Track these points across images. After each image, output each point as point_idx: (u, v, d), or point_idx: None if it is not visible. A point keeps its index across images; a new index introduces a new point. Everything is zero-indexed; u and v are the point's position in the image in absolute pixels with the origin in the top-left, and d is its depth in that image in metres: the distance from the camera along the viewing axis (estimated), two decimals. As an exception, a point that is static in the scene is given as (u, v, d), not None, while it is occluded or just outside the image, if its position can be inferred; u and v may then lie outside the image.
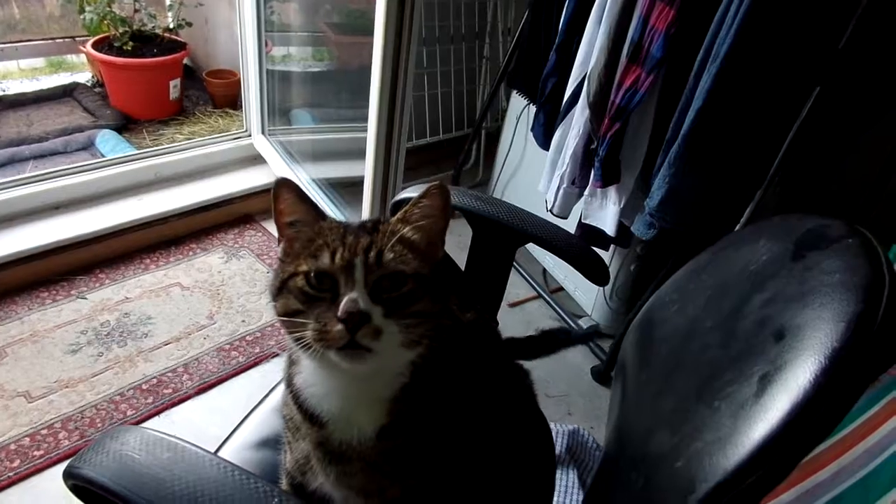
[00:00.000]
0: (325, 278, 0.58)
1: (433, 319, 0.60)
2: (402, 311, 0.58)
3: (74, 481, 0.57)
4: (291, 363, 0.69)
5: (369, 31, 1.59)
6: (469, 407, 0.70)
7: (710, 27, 1.36)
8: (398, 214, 0.63)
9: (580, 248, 0.94)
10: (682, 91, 1.45)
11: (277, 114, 2.47)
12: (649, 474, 0.49)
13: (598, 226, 1.71)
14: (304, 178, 2.22)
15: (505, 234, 0.93)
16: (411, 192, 1.00)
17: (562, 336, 1.02)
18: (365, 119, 1.78)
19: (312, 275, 0.59)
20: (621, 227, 1.69)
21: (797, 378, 0.41)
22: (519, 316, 2.10)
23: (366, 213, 1.75)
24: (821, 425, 0.39)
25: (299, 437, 0.70)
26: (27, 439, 1.47)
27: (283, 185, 0.63)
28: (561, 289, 2.17)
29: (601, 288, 1.97)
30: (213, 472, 0.56)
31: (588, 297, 2.04)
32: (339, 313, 0.55)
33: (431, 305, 0.60)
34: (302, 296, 0.59)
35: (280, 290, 0.62)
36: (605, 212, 1.70)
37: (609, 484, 0.58)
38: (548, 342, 1.01)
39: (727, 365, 0.49)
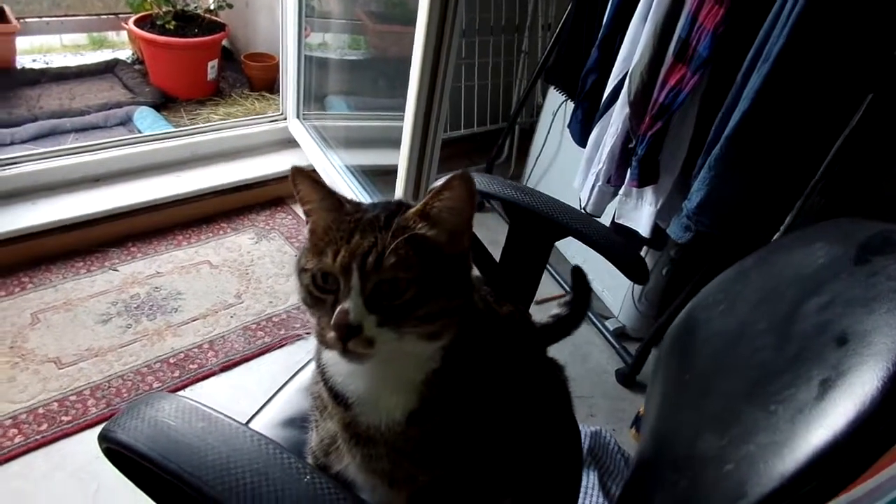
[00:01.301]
0: (329, 278, 0.58)
1: (451, 316, 0.58)
2: (402, 319, 0.56)
3: (108, 444, 0.58)
4: None
5: (407, 21, 1.59)
6: (501, 397, 0.68)
7: (760, 27, 1.33)
8: (417, 206, 0.59)
9: (620, 244, 0.92)
10: (727, 92, 1.42)
11: (313, 99, 2.48)
12: (694, 476, 0.47)
13: (632, 226, 1.68)
14: (338, 163, 2.22)
15: (543, 226, 0.91)
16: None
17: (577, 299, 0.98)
18: (399, 108, 1.78)
19: (318, 275, 0.58)
20: (655, 229, 1.66)
21: (863, 384, 0.39)
22: (544, 314, 2.08)
23: (397, 201, 1.74)
24: (888, 433, 0.37)
25: (326, 416, 0.69)
26: (55, 404, 1.50)
27: (297, 172, 0.61)
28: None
29: (629, 290, 1.95)
30: (246, 445, 0.55)
31: (616, 299, 2.01)
32: (331, 322, 0.55)
33: (446, 303, 0.57)
34: (308, 294, 0.59)
35: (300, 274, 0.62)
36: (639, 212, 1.67)
37: (646, 484, 0.56)
38: (567, 321, 0.99)
39: (783, 368, 0.47)
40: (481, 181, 0.94)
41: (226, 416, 0.58)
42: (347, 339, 0.54)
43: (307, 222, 0.64)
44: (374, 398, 0.62)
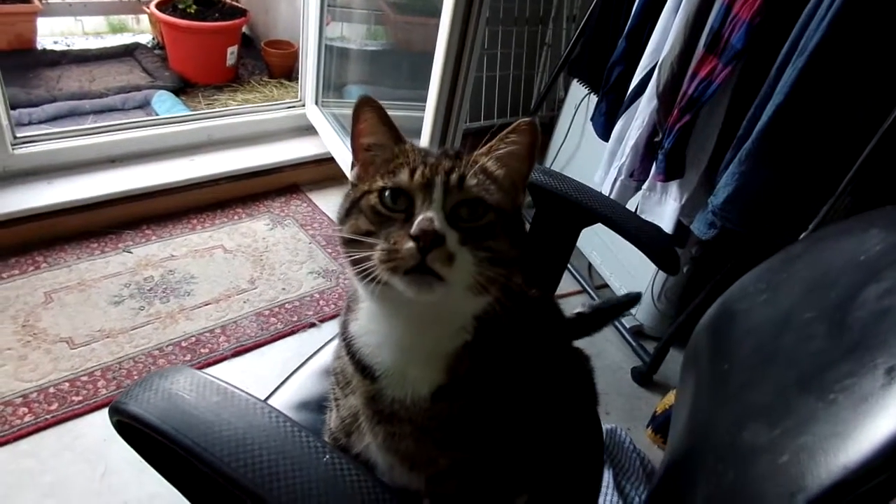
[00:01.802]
0: (401, 197, 0.54)
1: (508, 265, 0.55)
2: (479, 243, 0.53)
3: (120, 417, 0.55)
4: (348, 310, 0.65)
5: (429, 12, 1.56)
6: (529, 381, 0.65)
7: (798, 19, 1.29)
8: (482, 148, 0.58)
9: (652, 233, 0.89)
10: (759, 85, 1.38)
11: (332, 87, 2.46)
12: (742, 468, 0.44)
13: (655, 222, 1.65)
14: (355, 152, 2.20)
15: (572, 212, 0.88)
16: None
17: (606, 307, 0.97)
18: (418, 99, 1.75)
19: (388, 193, 0.55)
20: (678, 226, 1.63)
21: (936, 371, 0.36)
22: (567, 310, 2.05)
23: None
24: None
25: (349, 391, 0.67)
26: (66, 384, 1.49)
27: (366, 103, 0.59)
28: (606, 286, 2.11)
29: (649, 288, 1.91)
30: (263, 421, 0.53)
31: (634, 297, 1.97)
32: (412, 230, 0.51)
33: (509, 248, 0.55)
34: (373, 215, 0.55)
35: (350, 210, 0.57)
36: (663, 207, 1.64)
37: (687, 475, 0.53)
38: (598, 317, 0.97)
39: (840, 357, 0.44)
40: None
41: (242, 390, 0.56)
42: (429, 249, 0.50)
43: (358, 159, 0.62)
44: (401, 370, 0.60)
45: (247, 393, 0.56)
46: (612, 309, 0.98)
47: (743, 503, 0.41)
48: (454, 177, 0.54)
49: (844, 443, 0.37)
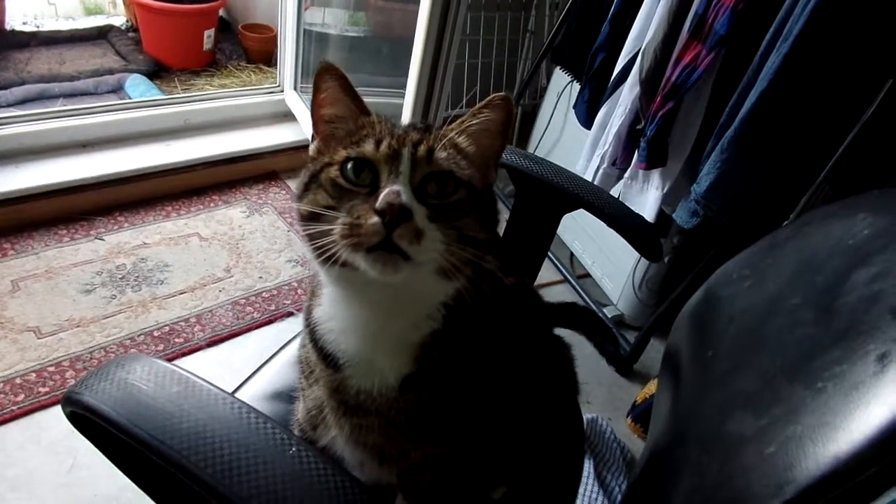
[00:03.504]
0: (366, 169, 0.51)
1: (480, 247, 0.51)
2: (449, 222, 0.49)
3: (73, 408, 0.52)
4: (312, 294, 0.61)
5: (409, -1, 1.52)
6: (502, 370, 0.62)
7: (781, 5, 1.27)
8: (453, 124, 0.55)
9: (633, 218, 0.87)
10: (742, 72, 1.36)
11: (311, 73, 2.41)
12: (727, 459, 0.43)
13: (637, 210, 1.63)
14: (334, 138, 2.16)
15: (553, 197, 0.86)
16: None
17: (589, 319, 0.96)
18: (399, 87, 1.71)
19: (350, 164, 0.51)
20: (660, 215, 1.62)
21: (930, 357, 0.35)
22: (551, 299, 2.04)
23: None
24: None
25: (313, 381, 0.63)
26: (33, 375, 1.44)
27: (327, 70, 0.55)
28: (588, 275, 2.09)
29: (629, 277, 1.90)
30: (225, 412, 0.50)
31: (615, 286, 1.97)
32: (377, 204, 0.47)
33: (479, 229, 0.52)
34: (334, 188, 0.51)
35: (308, 184, 0.53)
36: (645, 196, 1.62)
37: (669, 466, 0.51)
38: (577, 317, 0.95)
39: (829, 343, 0.43)
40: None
41: (205, 380, 0.53)
42: (396, 224, 0.46)
43: (318, 132, 0.58)
44: (367, 359, 0.56)
45: (209, 383, 0.53)
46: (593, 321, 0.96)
47: (729, 496, 0.39)
48: (423, 149, 0.51)
49: (835, 433, 0.36)
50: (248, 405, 0.51)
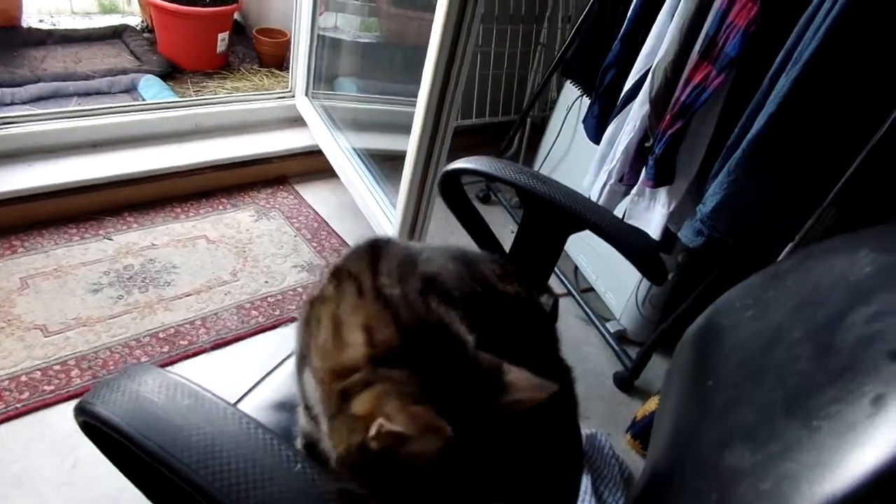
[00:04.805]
0: None
1: None
2: None
3: (85, 418, 0.53)
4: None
5: (423, 7, 1.53)
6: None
7: (793, 28, 1.28)
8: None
9: (638, 240, 0.88)
10: (752, 94, 1.37)
11: (323, 79, 2.43)
12: (725, 490, 0.43)
13: (642, 227, 1.64)
14: (345, 145, 2.17)
15: (559, 217, 0.87)
16: (462, 164, 0.95)
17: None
18: (410, 94, 1.72)
19: None
20: (665, 232, 1.62)
21: (925, 403, 0.35)
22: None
23: (404, 189, 1.69)
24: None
25: None
26: (38, 373, 1.45)
27: None
28: (591, 289, 2.10)
29: (633, 293, 1.90)
30: (234, 427, 0.51)
31: (619, 301, 1.97)
32: None
33: None
34: None
35: None
36: (651, 213, 1.63)
37: (669, 491, 0.52)
38: None
39: (826, 381, 0.43)
40: (498, 167, 0.90)
41: (213, 394, 0.54)
42: None
43: None
44: None
45: (218, 397, 0.55)
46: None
47: (724, 528, 0.40)
48: None
49: (829, 473, 0.36)
50: (255, 420, 0.52)
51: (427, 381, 0.51)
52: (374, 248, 0.66)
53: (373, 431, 0.46)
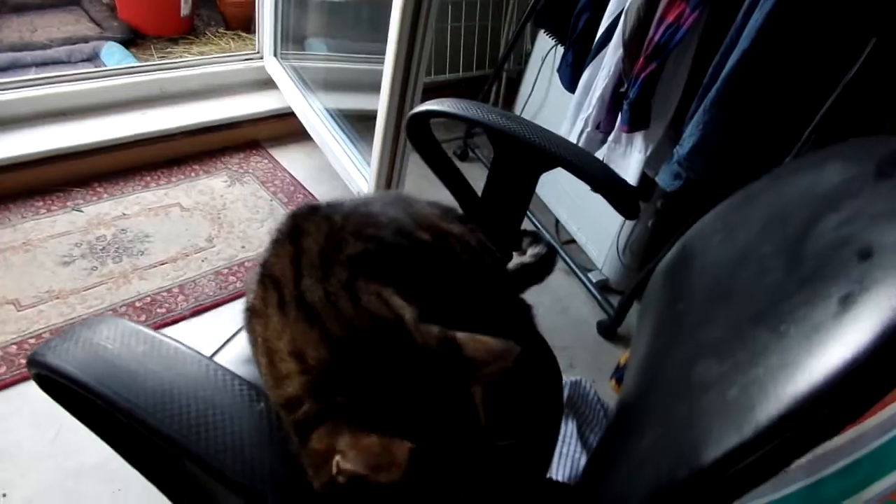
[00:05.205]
0: None
1: None
2: None
3: (38, 370, 0.52)
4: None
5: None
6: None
7: (765, -39, 1.25)
8: None
9: (610, 175, 0.86)
10: (725, 33, 1.35)
11: (292, 39, 2.36)
12: (692, 403, 0.43)
13: (620, 174, 1.62)
14: (318, 106, 2.12)
15: (532, 156, 0.85)
16: (430, 105, 0.92)
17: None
18: (382, 52, 1.68)
19: None
20: (643, 179, 1.61)
21: (890, 297, 0.34)
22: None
23: (377, 147, 1.66)
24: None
25: None
26: (14, 347, 1.43)
27: None
28: (573, 241, 2.10)
29: (614, 242, 1.90)
30: (192, 370, 0.50)
31: (600, 251, 1.97)
32: None
33: None
34: None
35: None
36: (628, 160, 1.61)
37: (638, 417, 0.52)
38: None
39: (795, 288, 0.43)
40: (465, 106, 0.87)
41: (171, 338, 0.52)
42: None
43: None
44: None
45: (178, 342, 0.53)
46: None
47: (692, 440, 0.40)
48: None
49: (794, 373, 0.36)
50: (215, 362, 0.50)
51: (376, 393, 0.48)
52: (297, 234, 0.63)
53: (333, 471, 0.45)
